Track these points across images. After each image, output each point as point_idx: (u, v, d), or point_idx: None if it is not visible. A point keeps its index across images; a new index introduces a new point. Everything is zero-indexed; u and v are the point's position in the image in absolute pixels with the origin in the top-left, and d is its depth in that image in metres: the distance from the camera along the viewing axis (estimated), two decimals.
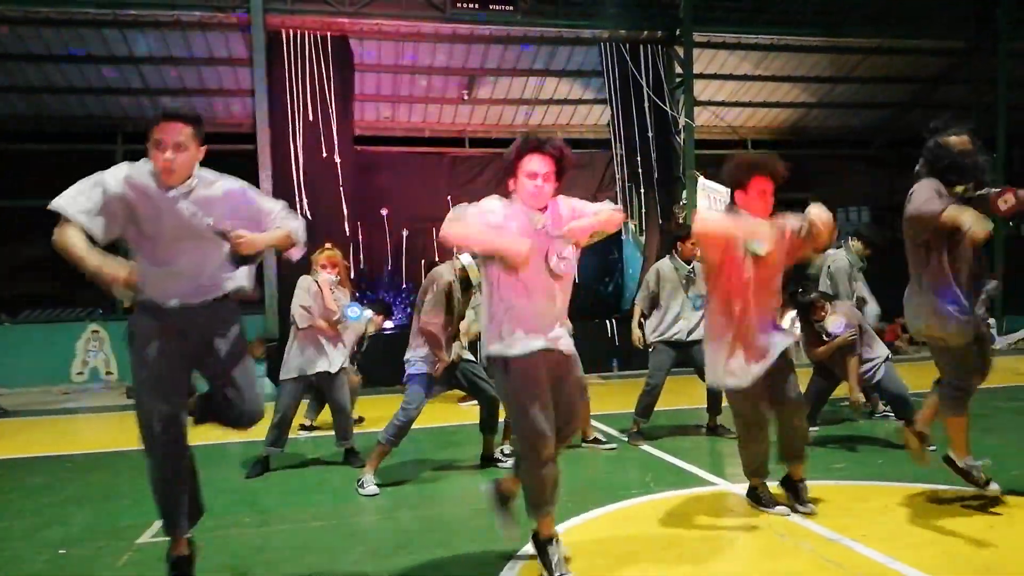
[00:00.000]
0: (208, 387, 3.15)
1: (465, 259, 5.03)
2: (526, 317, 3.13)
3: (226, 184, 3.06)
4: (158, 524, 4.14)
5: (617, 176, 11.93)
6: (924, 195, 3.73)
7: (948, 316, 3.73)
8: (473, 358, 5.11)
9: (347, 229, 10.38)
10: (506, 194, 3.26)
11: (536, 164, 3.12)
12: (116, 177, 2.87)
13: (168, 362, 2.94)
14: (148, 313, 2.96)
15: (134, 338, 2.98)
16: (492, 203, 3.18)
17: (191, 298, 2.96)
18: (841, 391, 6.00)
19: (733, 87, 13.41)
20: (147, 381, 2.93)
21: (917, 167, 3.93)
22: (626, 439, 6.09)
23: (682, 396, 7.00)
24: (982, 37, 12.94)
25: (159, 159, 2.88)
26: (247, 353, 3.16)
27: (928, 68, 13.65)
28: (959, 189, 3.75)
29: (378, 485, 4.79)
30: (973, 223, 3.48)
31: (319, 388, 5.68)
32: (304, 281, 5.53)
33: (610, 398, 8.01)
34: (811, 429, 5.84)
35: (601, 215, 3.21)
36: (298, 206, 10.06)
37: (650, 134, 11.57)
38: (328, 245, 5.84)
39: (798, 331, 6.65)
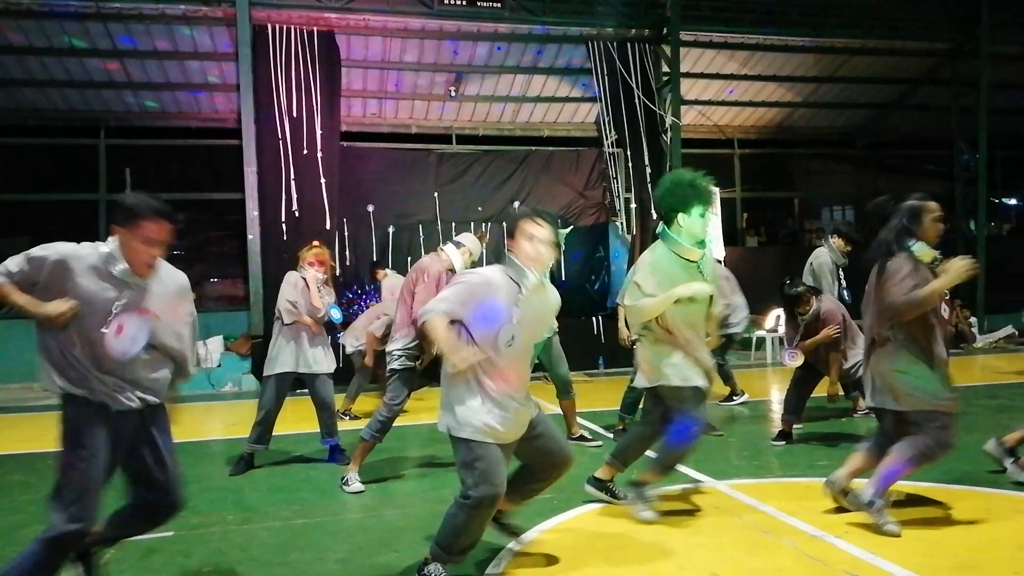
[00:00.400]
0: (132, 480, 3.03)
1: (450, 249, 5.02)
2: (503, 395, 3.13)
3: (178, 283, 3.05)
4: None
5: (610, 174, 11.96)
6: (907, 282, 3.63)
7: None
8: None
9: (331, 225, 10.32)
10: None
11: (536, 230, 3.19)
12: (81, 266, 2.80)
13: (105, 459, 2.85)
14: (88, 408, 2.84)
15: (75, 423, 2.84)
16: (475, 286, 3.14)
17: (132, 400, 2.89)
18: (821, 389, 6.03)
19: (719, 86, 13.46)
20: (90, 467, 2.80)
21: (887, 233, 3.78)
22: (612, 436, 6.11)
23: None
24: (965, 39, 13.06)
25: (147, 255, 2.84)
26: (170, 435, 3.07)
27: (911, 69, 13.76)
28: (929, 258, 3.70)
29: (363, 482, 4.77)
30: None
31: (308, 384, 5.63)
32: (291, 276, 5.50)
33: (596, 395, 8.03)
34: (795, 426, 5.92)
35: None
36: (284, 202, 9.99)
37: (641, 130, 11.58)
38: (316, 243, 5.81)
39: (782, 330, 6.67)
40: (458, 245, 5.05)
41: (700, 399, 3.95)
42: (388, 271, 8.59)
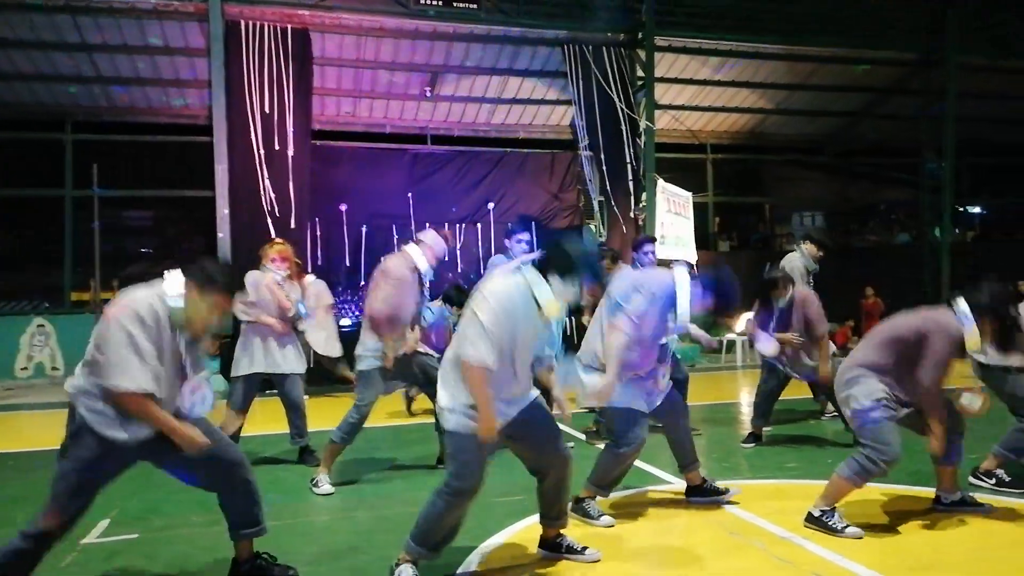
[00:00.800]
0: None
1: (412, 249, 4.95)
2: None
3: None
4: (104, 524, 4.05)
5: (585, 177, 12.03)
6: None
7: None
8: (429, 350, 5.06)
9: (301, 224, 10.22)
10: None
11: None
12: (153, 314, 2.89)
13: (104, 479, 2.95)
14: (105, 444, 2.88)
15: (88, 449, 2.87)
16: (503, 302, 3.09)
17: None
18: (793, 391, 6.11)
19: (693, 91, 13.58)
20: (79, 483, 2.88)
21: (981, 306, 3.74)
22: (583, 438, 6.13)
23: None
24: (933, 50, 13.31)
25: (211, 321, 2.99)
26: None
27: (880, 78, 14.00)
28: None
29: (333, 484, 4.73)
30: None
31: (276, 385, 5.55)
32: (251, 276, 5.38)
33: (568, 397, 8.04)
34: (764, 428, 5.98)
35: None
36: (255, 200, 9.87)
37: (616, 134, 11.64)
38: (279, 240, 5.74)
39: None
40: (420, 243, 5.01)
41: (632, 420, 3.99)
42: (310, 277, 8.55)
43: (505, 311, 3.02)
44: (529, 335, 3.14)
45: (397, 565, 3.12)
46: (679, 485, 4.64)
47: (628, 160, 11.66)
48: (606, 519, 3.97)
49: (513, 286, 3.08)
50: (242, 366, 5.29)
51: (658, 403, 4.10)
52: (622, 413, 3.97)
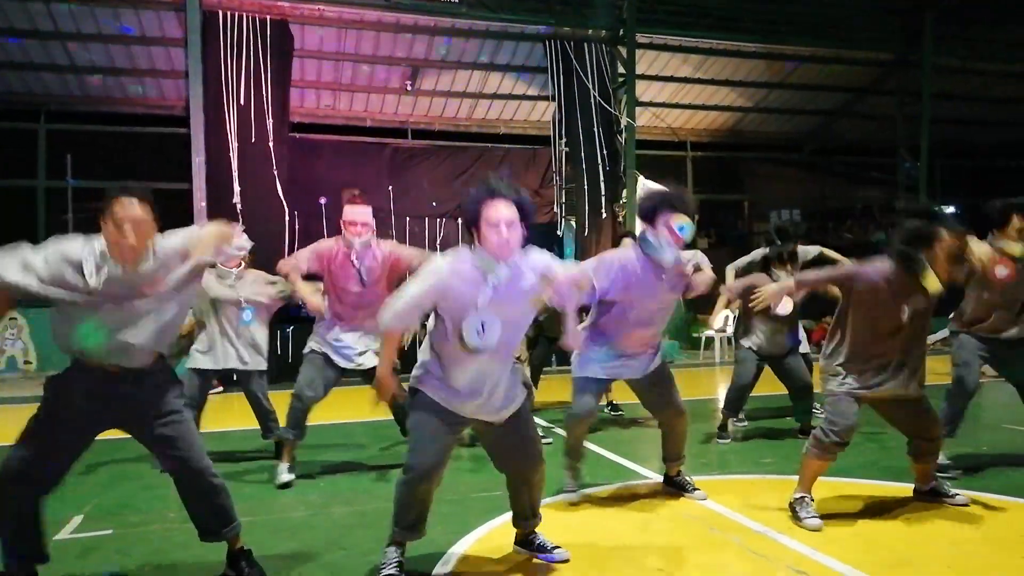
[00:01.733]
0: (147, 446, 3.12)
1: (357, 243, 4.94)
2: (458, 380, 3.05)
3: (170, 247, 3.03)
4: (78, 519, 3.99)
5: (557, 175, 12.03)
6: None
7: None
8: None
9: (284, 217, 10.13)
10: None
11: (498, 211, 2.86)
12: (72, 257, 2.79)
13: (75, 427, 2.90)
14: (76, 372, 2.90)
15: (51, 389, 2.93)
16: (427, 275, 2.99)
17: (124, 361, 2.89)
18: (769, 387, 6.16)
19: (674, 89, 13.64)
20: (40, 432, 2.86)
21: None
22: (560, 432, 6.14)
23: (623, 391, 7.09)
24: (909, 51, 13.48)
25: (116, 237, 2.81)
26: (183, 420, 3.06)
27: (858, 78, 14.15)
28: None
29: (310, 479, 4.69)
30: None
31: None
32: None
33: (547, 391, 8.04)
34: (739, 424, 6.04)
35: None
36: (232, 193, 9.77)
37: (595, 130, 11.65)
38: None
39: (730, 330, 6.70)
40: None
41: (591, 389, 4.21)
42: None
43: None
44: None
45: (386, 548, 3.18)
46: (656, 479, 4.67)
47: (599, 160, 11.67)
48: (572, 490, 4.26)
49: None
50: (195, 360, 5.15)
51: (647, 370, 4.16)
52: (576, 380, 4.23)
